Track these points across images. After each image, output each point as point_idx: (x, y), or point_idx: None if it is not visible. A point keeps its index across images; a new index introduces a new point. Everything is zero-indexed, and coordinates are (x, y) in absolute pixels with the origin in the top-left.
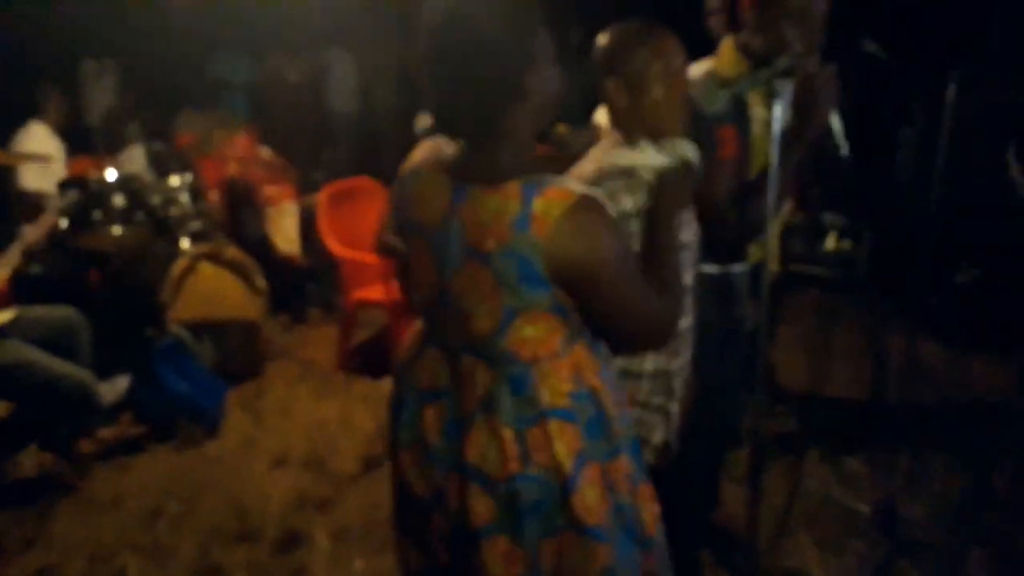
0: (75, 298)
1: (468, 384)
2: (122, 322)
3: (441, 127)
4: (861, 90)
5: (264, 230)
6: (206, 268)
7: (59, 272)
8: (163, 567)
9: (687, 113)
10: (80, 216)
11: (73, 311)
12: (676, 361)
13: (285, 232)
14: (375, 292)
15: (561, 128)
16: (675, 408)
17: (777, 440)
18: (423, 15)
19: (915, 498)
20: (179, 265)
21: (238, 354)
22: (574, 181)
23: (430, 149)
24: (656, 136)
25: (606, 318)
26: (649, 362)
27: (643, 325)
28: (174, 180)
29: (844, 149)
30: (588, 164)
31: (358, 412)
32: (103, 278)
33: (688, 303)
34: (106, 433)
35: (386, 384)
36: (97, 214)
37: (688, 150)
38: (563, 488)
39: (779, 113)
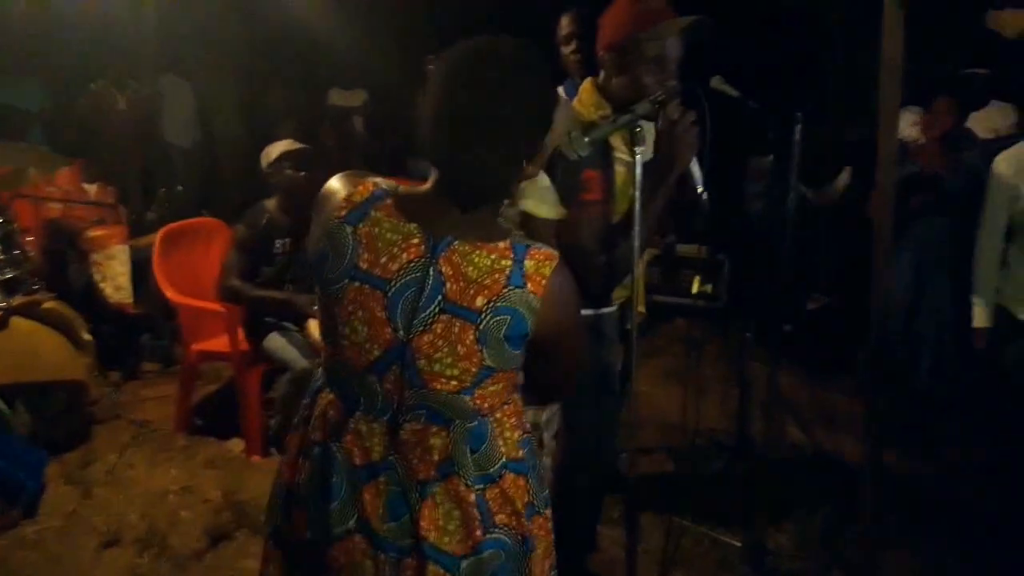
0: None
1: (417, 453)
2: None
3: (448, 189)
4: (714, 128)
5: (90, 277)
6: (20, 324)
7: None
8: None
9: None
10: None
11: None
12: (545, 414)
13: (115, 279)
14: (218, 343)
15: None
16: (548, 462)
17: (652, 479)
18: (445, 70)
19: (780, 529)
20: None
21: (60, 419)
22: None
23: (353, 183)
24: None
25: (558, 374)
26: (529, 415)
27: (576, 378)
28: None
29: (701, 187)
30: None
31: (202, 479)
32: None
33: None
34: None
35: (234, 445)
36: None
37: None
38: (523, 547)
39: (641, 157)
